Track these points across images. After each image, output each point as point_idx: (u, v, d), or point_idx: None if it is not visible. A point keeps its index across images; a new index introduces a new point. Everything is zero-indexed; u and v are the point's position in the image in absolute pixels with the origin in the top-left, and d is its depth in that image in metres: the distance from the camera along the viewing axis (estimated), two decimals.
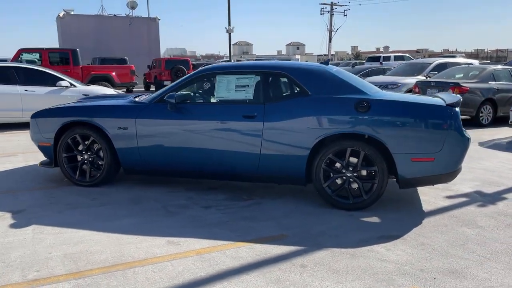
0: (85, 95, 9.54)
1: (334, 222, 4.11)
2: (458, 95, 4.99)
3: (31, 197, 4.82)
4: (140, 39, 26.42)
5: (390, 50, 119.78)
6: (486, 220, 4.17)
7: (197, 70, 5.02)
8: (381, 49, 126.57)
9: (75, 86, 10.06)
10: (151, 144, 4.89)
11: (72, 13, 25.31)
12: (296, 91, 4.61)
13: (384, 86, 13.04)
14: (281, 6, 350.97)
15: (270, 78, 4.70)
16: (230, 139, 4.63)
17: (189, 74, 5.01)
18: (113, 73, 15.70)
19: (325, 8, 50.53)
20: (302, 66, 4.77)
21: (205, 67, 5.07)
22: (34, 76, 9.84)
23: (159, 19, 27.03)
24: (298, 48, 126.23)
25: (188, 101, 4.91)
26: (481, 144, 8.09)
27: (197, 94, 5.19)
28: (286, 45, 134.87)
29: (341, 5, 51.36)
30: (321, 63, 5.34)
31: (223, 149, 4.67)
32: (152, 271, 3.13)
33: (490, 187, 5.26)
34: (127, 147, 4.98)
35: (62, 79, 9.98)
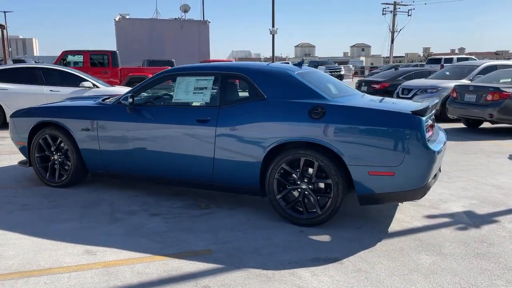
0: (108, 96, 9.75)
1: (276, 238, 3.73)
2: (436, 99, 4.39)
3: None
4: (191, 42, 26.93)
5: (466, 52, 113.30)
6: (455, 247, 3.59)
7: (162, 71, 4.84)
8: (456, 51, 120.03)
9: (97, 87, 10.31)
10: (110, 147, 4.78)
11: (127, 17, 26.35)
12: (252, 95, 4.28)
13: (422, 90, 12.18)
14: (345, 7, 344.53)
15: (228, 80, 4.41)
16: (184, 144, 4.39)
17: (154, 75, 4.84)
18: (150, 75, 16.03)
19: (388, 8, 48.76)
20: (261, 68, 4.42)
21: (170, 68, 4.88)
22: (59, 77, 10.21)
23: (209, 22, 27.40)
24: (363, 50, 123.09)
25: (149, 103, 4.74)
26: None
27: (159, 96, 5.01)
28: (350, 46, 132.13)
29: (405, 5, 49.32)
30: (294, 64, 4.95)
31: (177, 155, 4.44)
32: (44, 282, 2.97)
33: (486, 207, 4.58)
34: (90, 149, 4.90)
35: (86, 80, 10.26)
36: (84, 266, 3.20)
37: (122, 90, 10.63)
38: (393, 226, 4.04)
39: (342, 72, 37.03)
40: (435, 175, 4.15)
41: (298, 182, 4.01)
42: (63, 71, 10.40)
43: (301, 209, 4.03)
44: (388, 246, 3.60)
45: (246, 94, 4.42)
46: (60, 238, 3.71)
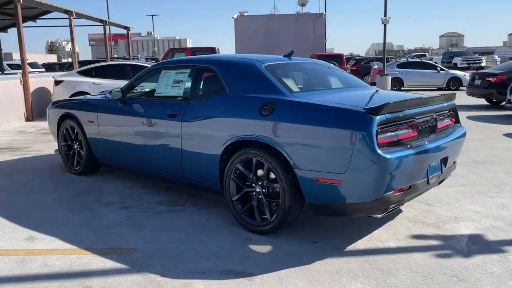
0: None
1: (211, 245, 3.43)
2: (417, 95, 3.53)
3: (13, 177, 5.41)
4: (306, 36, 26.60)
5: None
6: (408, 278, 2.87)
7: (153, 64, 4.82)
8: None
9: None
10: (107, 137, 4.94)
11: (245, 14, 27.16)
12: (218, 88, 3.98)
13: None
14: None
15: (199, 74, 4.19)
16: (157, 138, 4.32)
17: (145, 69, 4.85)
18: None
19: None
20: (228, 60, 4.10)
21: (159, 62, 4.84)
22: None
23: (325, 14, 26.70)
24: None
25: (137, 97, 4.76)
26: None
27: (149, 90, 4.98)
28: (508, 35, 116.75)
29: None
30: (284, 55, 4.48)
31: (152, 149, 4.39)
32: None
33: (507, 232, 3.59)
34: (95, 139, 5.14)
35: None
36: (11, 251, 3.35)
37: None
38: (357, 244, 3.41)
39: (483, 64, 33.02)
40: (428, 182, 3.39)
41: (253, 185, 3.63)
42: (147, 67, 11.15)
43: (255, 214, 3.64)
44: (325, 266, 3.04)
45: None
46: (21, 222, 3.94)
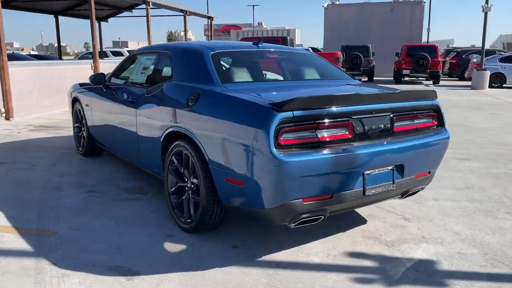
0: None
1: (130, 237, 3.31)
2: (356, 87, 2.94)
3: (28, 153, 5.79)
4: (401, 25, 24.88)
5: None
6: None
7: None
8: None
9: None
10: (96, 121, 5.07)
11: (337, 2, 26.21)
12: (168, 75, 3.81)
13: None
14: None
15: (160, 61, 4.06)
16: (123, 125, 4.32)
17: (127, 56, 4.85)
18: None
19: None
20: (181, 46, 3.90)
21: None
22: None
23: (424, 2, 24.65)
24: None
25: (118, 83, 4.78)
26: None
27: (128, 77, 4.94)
28: None
29: None
30: (253, 43, 4.12)
31: (121, 135, 4.40)
32: None
33: (465, 263, 2.93)
34: (90, 122, 5.30)
35: None
36: None
37: None
38: (277, 255, 3.03)
39: None
40: (365, 193, 2.89)
41: (186, 179, 3.43)
42: None
43: (185, 210, 3.43)
44: (221, 275, 2.74)
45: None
46: None
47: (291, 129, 2.64)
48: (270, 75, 3.87)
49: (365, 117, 2.92)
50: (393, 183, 3.06)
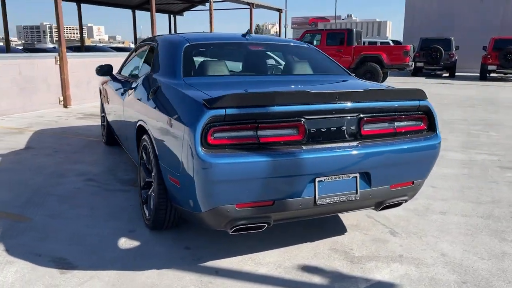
0: None
1: (94, 230, 3.31)
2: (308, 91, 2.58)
3: (56, 139, 6.09)
4: (491, 16, 22.66)
5: None
6: None
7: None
8: None
9: None
10: (107, 111, 5.19)
11: None
12: (151, 68, 3.74)
13: None
14: None
15: (151, 52, 3.99)
16: (118, 117, 4.34)
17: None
18: (384, 54, 14.65)
19: None
20: (165, 38, 3.79)
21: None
22: None
23: None
24: None
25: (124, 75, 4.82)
26: None
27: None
28: None
29: None
30: (242, 35, 3.89)
31: (118, 127, 4.44)
32: None
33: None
34: (106, 114, 5.43)
35: None
36: None
37: None
38: (223, 261, 2.84)
39: None
40: (316, 203, 2.60)
41: (153, 174, 3.35)
42: None
43: (149, 206, 3.36)
44: (150, 279, 2.63)
45: None
46: None
47: (224, 128, 2.43)
48: (247, 69, 3.65)
49: (322, 118, 2.60)
50: (356, 192, 2.71)
